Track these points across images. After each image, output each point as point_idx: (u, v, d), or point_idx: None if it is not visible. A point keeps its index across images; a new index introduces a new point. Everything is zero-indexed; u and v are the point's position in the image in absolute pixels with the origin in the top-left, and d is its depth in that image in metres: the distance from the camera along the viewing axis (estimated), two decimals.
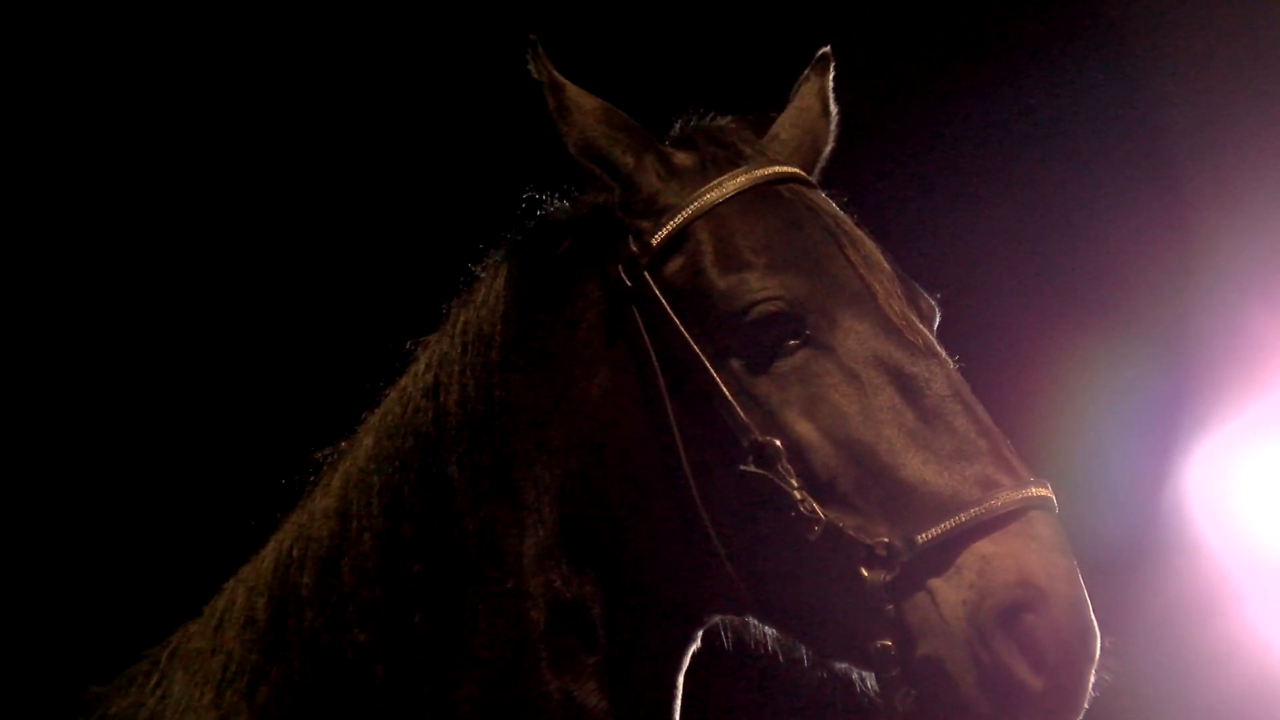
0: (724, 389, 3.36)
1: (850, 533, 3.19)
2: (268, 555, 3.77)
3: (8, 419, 7.63)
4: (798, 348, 3.36)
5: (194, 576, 3.94)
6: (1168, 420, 9.42)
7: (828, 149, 3.90)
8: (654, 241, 3.52)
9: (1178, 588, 9.53)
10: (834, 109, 3.92)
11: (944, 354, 3.43)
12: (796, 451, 3.29)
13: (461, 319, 3.72)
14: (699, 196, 3.55)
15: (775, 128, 3.87)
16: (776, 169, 3.64)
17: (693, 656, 3.66)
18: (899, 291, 3.49)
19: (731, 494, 3.34)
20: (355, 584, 3.58)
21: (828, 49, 3.98)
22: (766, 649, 3.63)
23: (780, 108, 3.98)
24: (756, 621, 3.59)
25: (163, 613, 3.95)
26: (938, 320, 3.58)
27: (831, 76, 3.95)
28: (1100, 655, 3.14)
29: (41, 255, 7.68)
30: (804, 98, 3.93)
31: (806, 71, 3.94)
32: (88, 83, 7.74)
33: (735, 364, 3.38)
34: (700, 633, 3.64)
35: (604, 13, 7.79)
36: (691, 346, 3.41)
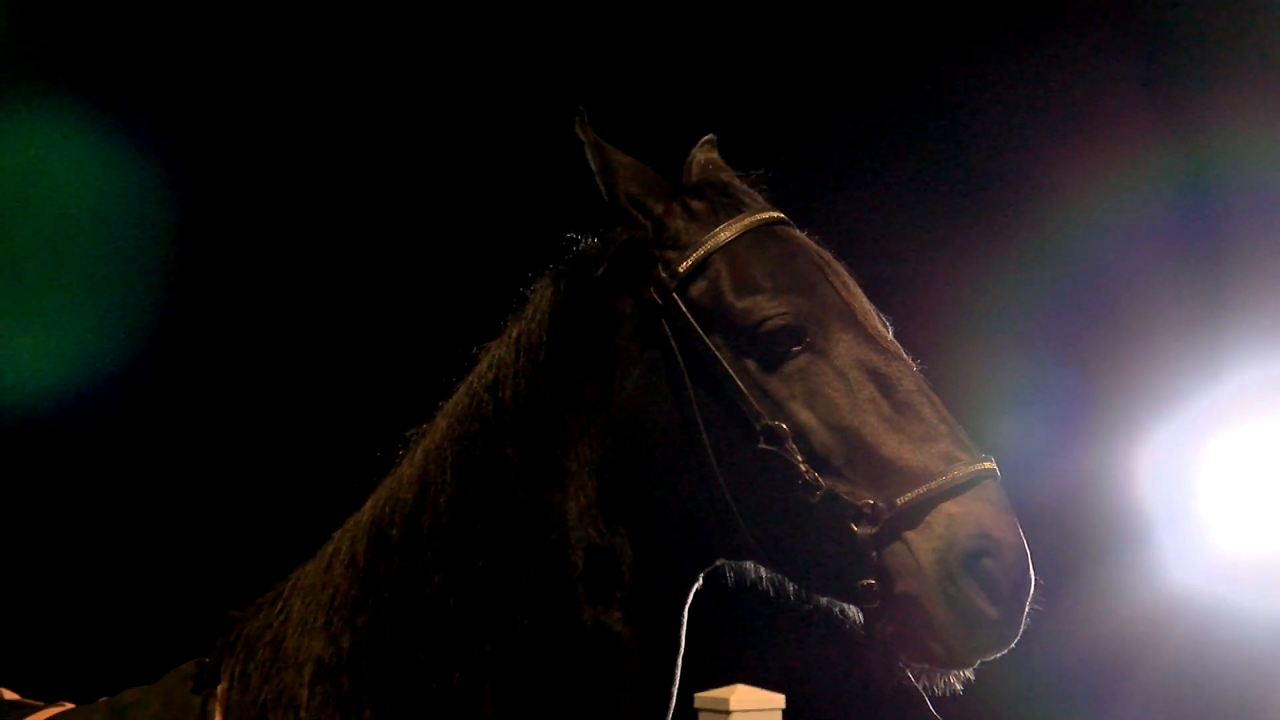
0: (740, 384, 3.40)
1: (844, 497, 3.25)
2: (366, 511, 3.77)
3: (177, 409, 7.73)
4: (800, 353, 3.41)
5: (311, 528, 3.97)
6: (1085, 408, 9.42)
7: None
8: (681, 269, 3.54)
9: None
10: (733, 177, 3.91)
11: (909, 358, 3.50)
12: (800, 434, 3.34)
13: (515, 330, 3.73)
14: (715, 235, 3.58)
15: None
16: (770, 214, 3.68)
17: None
18: (870, 309, 3.57)
19: (747, 467, 3.37)
20: (432, 535, 3.58)
21: (712, 135, 3.99)
22: (761, 586, 3.65)
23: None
24: (755, 564, 3.60)
25: (287, 556, 3.98)
26: (891, 333, 3.62)
27: (717, 153, 3.95)
28: (1034, 591, 3.23)
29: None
30: (712, 163, 3.92)
31: (693, 151, 3.94)
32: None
33: (750, 365, 3.43)
34: (705, 573, 3.66)
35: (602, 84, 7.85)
36: (713, 351, 3.44)
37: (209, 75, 8.40)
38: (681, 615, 3.63)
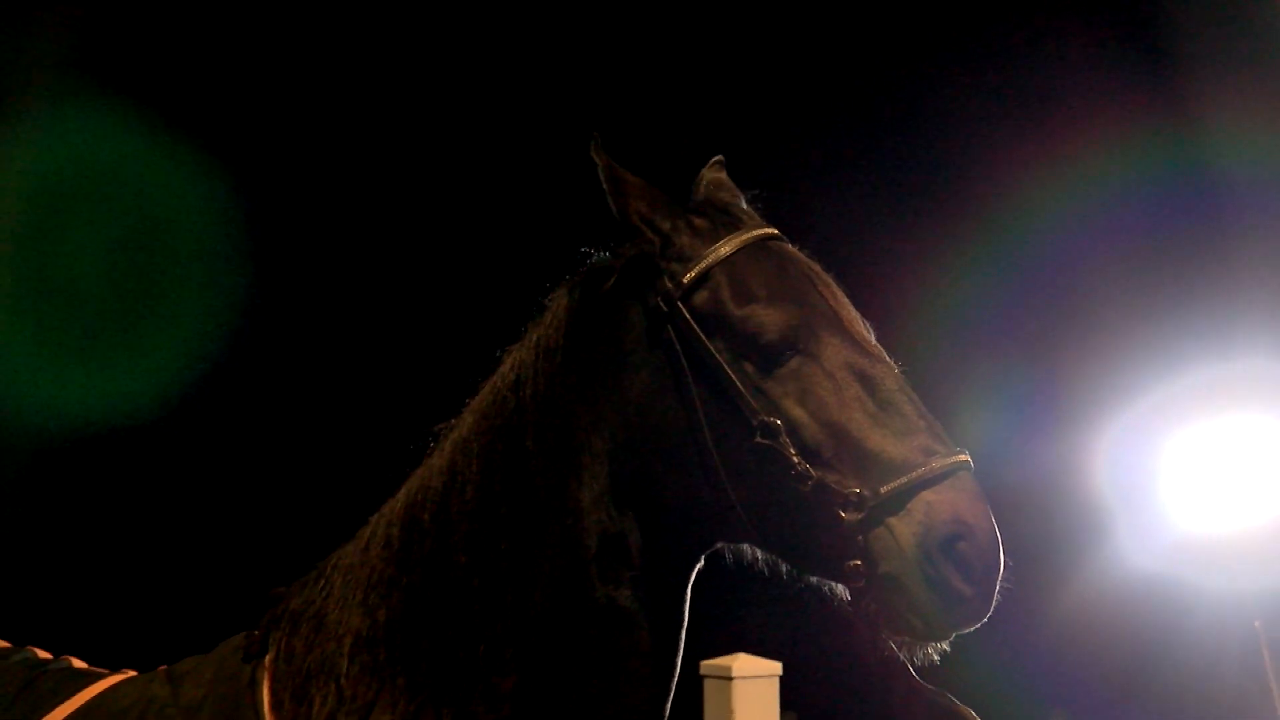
0: (738, 384, 3.42)
1: (832, 486, 3.28)
2: (400, 497, 3.78)
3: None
4: (792, 356, 3.43)
5: (350, 514, 3.98)
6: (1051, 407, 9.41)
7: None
8: (685, 280, 3.56)
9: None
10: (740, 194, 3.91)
11: (891, 360, 3.51)
12: (793, 429, 3.36)
13: (534, 335, 3.74)
14: (716, 249, 3.59)
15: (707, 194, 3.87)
16: (765, 230, 3.69)
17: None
18: (856, 316, 3.58)
19: (744, 459, 3.39)
20: (459, 520, 3.60)
21: (720, 156, 3.98)
22: (758, 566, 3.67)
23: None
24: (751, 546, 3.62)
25: (328, 538, 3.99)
26: (874, 337, 3.63)
27: (725, 173, 3.94)
28: (1004, 571, 3.26)
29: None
30: (720, 183, 3.91)
31: (703, 172, 3.93)
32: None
33: (747, 366, 3.45)
34: (706, 554, 3.67)
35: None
36: (714, 354, 3.46)
37: (276, 101, 8.46)
38: (685, 592, 3.64)
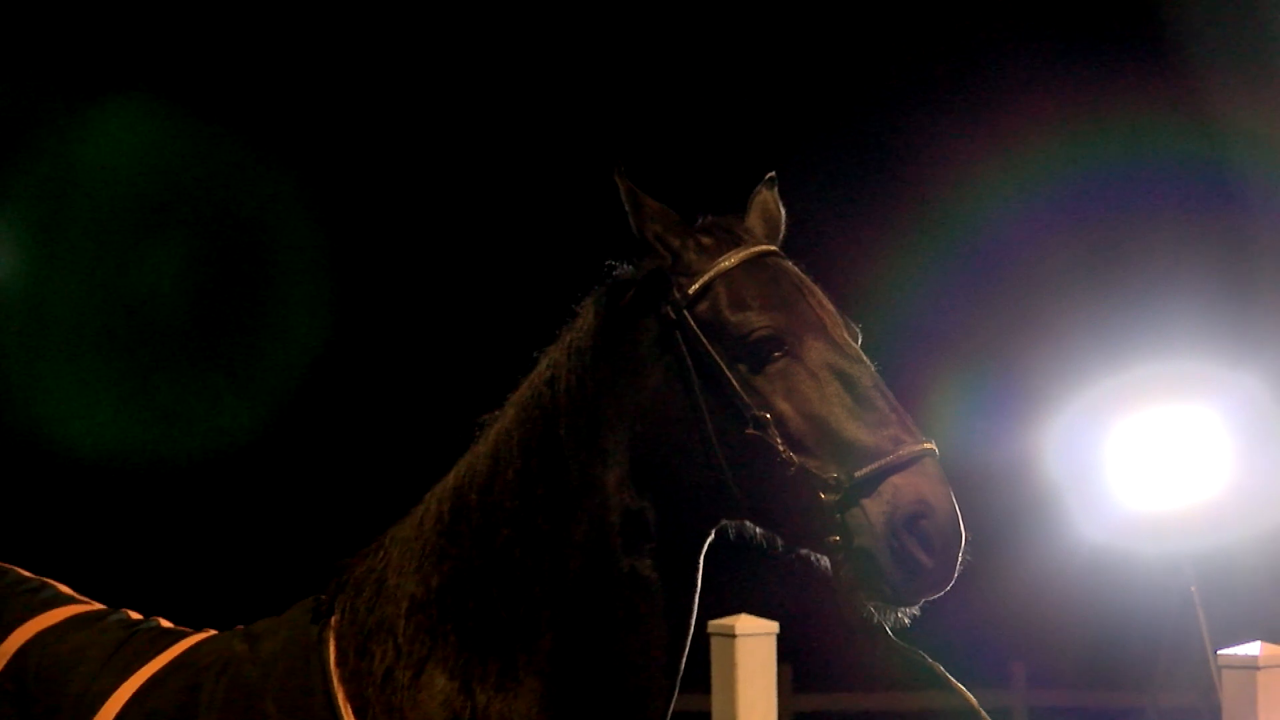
0: (734, 382, 3.53)
1: (814, 471, 3.40)
2: (450, 479, 3.89)
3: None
4: (780, 357, 3.54)
5: (405, 494, 4.01)
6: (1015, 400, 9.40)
7: (782, 233, 3.95)
8: (691, 291, 3.65)
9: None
10: (783, 210, 3.96)
11: (868, 360, 3.62)
12: (780, 422, 3.47)
13: (567, 338, 3.84)
14: (718, 264, 3.68)
15: (750, 220, 3.93)
16: (763, 247, 3.79)
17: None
18: (839, 322, 3.68)
19: (739, 448, 3.50)
20: (502, 499, 3.70)
21: (773, 173, 4.03)
22: (757, 540, 3.73)
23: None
24: (751, 524, 3.72)
25: (387, 515, 4.02)
26: (860, 339, 3.68)
27: (777, 190, 4.00)
28: (965, 546, 3.37)
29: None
30: (764, 201, 3.98)
31: (759, 187, 3.99)
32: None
33: (741, 367, 3.55)
34: (714, 530, 3.76)
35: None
36: (714, 356, 3.56)
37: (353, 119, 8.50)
38: (697, 562, 3.75)
